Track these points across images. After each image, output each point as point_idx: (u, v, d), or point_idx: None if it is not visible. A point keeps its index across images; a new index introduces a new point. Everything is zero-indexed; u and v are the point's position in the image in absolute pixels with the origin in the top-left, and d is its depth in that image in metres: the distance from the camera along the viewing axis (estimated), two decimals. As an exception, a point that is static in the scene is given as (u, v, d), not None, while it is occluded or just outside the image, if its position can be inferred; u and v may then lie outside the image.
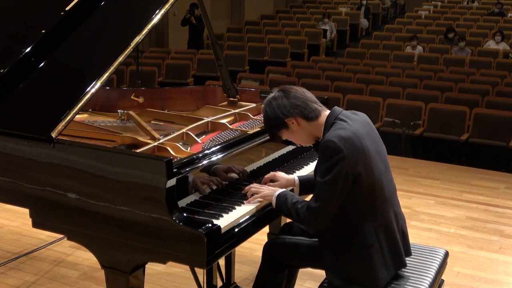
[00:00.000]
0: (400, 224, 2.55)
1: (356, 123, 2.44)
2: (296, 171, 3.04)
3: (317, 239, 2.59)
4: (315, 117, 2.47)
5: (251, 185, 2.63)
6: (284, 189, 2.59)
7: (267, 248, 2.76)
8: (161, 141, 2.79)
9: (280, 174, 2.78)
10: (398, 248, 2.52)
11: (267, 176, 2.78)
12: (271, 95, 2.52)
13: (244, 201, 2.57)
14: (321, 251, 2.54)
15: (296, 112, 2.45)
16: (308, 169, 3.07)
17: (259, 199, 2.58)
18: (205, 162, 2.48)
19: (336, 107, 2.53)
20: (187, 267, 3.41)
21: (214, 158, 2.53)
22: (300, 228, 2.82)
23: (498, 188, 5.85)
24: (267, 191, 2.58)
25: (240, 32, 13.62)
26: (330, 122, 2.44)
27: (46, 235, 4.23)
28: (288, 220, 3.05)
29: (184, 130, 2.95)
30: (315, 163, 3.12)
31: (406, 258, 2.62)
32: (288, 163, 3.16)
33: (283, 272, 2.77)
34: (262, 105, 2.54)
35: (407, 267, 2.63)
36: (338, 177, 2.31)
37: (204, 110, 3.56)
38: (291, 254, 2.70)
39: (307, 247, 2.64)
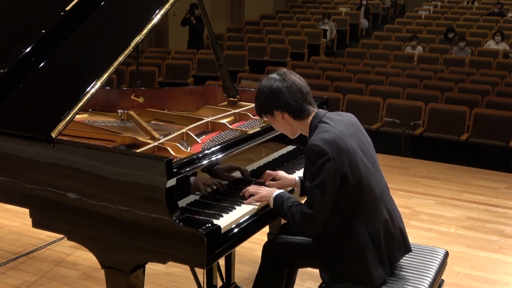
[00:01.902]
0: (396, 221, 2.56)
1: (340, 124, 2.45)
2: (296, 171, 3.04)
3: (316, 249, 2.60)
4: (304, 117, 2.49)
5: (249, 186, 2.64)
6: (281, 190, 2.59)
7: (266, 248, 2.77)
8: (161, 141, 2.79)
9: (282, 174, 2.79)
10: (393, 245, 2.52)
11: (268, 172, 2.79)
12: (273, 75, 2.50)
13: (244, 202, 2.58)
14: (318, 252, 2.55)
15: (285, 109, 2.47)
16: (289, 177, 3.04)
17: (257, 200, 2.58)
18: (205, 162, 2.48)
19: (320, 110, 2.53)
20: (187, 267, 3.41)
21: (214, 158, 2.53)
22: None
23: (498, 188, 5.85)
24: (265, 192, 2.59)
25: (240, 32, 13.62)
26: (314, 125, 2.46)
27: (46, 235, 4.23)
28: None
29: (184, 130, 2.95)
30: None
31: (406, 255, 2.64)
32: (288, 163, 3.16)
33: (282, 272, 2.78)
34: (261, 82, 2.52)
35: (407, 267, 2.63)
36: (326, 180, 2.33)
37: (204, 110, 3.56)
38: (290, 254, 2.70)
39: (307, 247, 2.64)
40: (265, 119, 2.63)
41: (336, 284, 2.48)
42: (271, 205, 2.55)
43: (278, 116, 2.50)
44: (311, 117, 2.49)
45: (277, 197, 2.53)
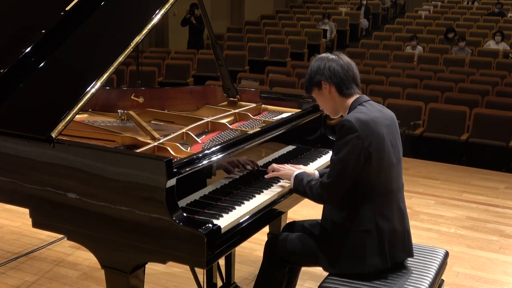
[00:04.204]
0: (404, 222, 2.58)
1: (378, 113, 2.52)
2: (310, 164, 3.07)
3: (317, 236, 2.62)
4: (347, 95, 2.57)
5: (273, 164, 2.76)
6: (302, 170, 2.69)
7: (268, 245, 2.80)
8: (161, 141, 2.79)
9: (302, 167, 2.87)
10: (397, 243, 2.53)
11: (288, 165, 2.86)
12: (327, 54, 2.62)
13: (265, 176, 2.75)
14: (321, 233, 2.59)
15: (333, 82, 2.55)
16: (308, 169, 3.06)
17: (279, 176, 2.74)
18: (205, 162, 2.48)
19: (364, 95, 2.61)
20: (187, 267, 3.41)
21: (214, 158, 2.53)
22: (302, 226, 2.85)
23: (498, 188, 5.85)
24: (286, 171, 2.71)
25: (240, 32, 13.61)
26: (354, 106, 2.54)
27: (46, 235, 4.23)
28: (289, 220, 3.07)
29: (184, 130, 2.95)
30: (315, 162, 3.14)
31: (408, 259, 2.65)
32: (288, 163, 3.15)
33: (284, 269, 2.80)
34: (315, 58, 2.66)
35: (407, 267, 2.63)
36: (350, 155, 2.40)
37: (204, 110, 3.56)
38: (292, 251, 2.71)
39: (308, 244, 2.66)
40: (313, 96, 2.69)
41: (332, 264, 2.52)
42: (291, 184, 2.65)
43: (325, 89, 2.57)
44: (354, 98, 2.56)
45: (297, 175, 2.64)
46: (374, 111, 2.51)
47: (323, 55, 2.62)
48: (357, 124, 2.40)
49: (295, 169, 2.71)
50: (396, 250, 2.54)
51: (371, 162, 2.42)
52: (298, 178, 2.63)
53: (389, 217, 2.49)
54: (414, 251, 2.68)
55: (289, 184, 2.78)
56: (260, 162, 2.91)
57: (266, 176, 2.76)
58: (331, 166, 2.51)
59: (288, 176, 2.69)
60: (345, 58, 2.60)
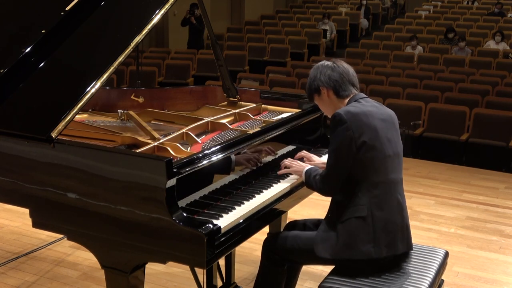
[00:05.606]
0: (404, 215, 2.60)
1: (372, 108, 2.58)
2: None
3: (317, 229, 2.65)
4: (345, 96, 2.65)
5: (285, 159, 2.86)
6: (312, 166, 2.76)
7: (267, 244, 2.80)
8: (161, 141, 2.79)
9: (314, 157, 2.96)
10: (395, 233, 2.54)
11: (300, 153, 2.96)
12: (324, 62, 2.74)
13: (277, 172, 2.84)
14: (322, 222, 2.63)
15: (330, 85, 2.64)
16: (322, 160, 3.06)
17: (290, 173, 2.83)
18: (205, 162, 2.48)
19: (361, 93, 2.68)
20: (187, 267, 3.41)
21: (214, 158, 2.53)
22: (303, 226, 2.87)
23: (498, 188, 5.86)
24: (298, 167, 2.78)
25: (240, 32, 13.62)
26: (349, 103, 2.62)
27: (46, 235, 4.23)
28: (290, 220, 3.07)
29: (184, 130, 2.95)
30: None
31: (408, 259, 2.65)
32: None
33: (283, 267, 2.81)
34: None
35: (407, 267, 2.63)
36: (341, 145, 2.47)
37: (204, 110, 3.56)
38: (291, 249, 2.72)
39: (307, 242, 2.66)
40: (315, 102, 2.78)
41: (326, 249, 2.55)
42: (303, 179, 2.73)
43: (324, 94, 2.67)
44: (350, 97, 2.64)
45: (307, 170, 2.72)
46: (368, 106, 2.57)
47: (319, 63, 2.73)
48: (346, 116, 2.48)
49: (306, 165, 2.77)
50: (394, 240, 2.55)
51: (364, 151, 2.47)
52: (307, 173, 2.70)
53: (386, 207, 2.52)
54: (414, 251, 2.68)
55: (288, 184, 2.79)
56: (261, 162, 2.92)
57: (278, 172, 2.84)
58: (327, 159, 2.58)
59: (300, 172, 2.75)
60: (341, 63, 2.70)
